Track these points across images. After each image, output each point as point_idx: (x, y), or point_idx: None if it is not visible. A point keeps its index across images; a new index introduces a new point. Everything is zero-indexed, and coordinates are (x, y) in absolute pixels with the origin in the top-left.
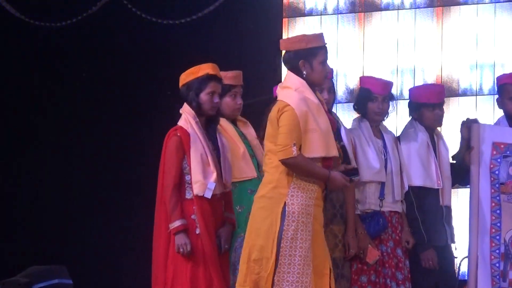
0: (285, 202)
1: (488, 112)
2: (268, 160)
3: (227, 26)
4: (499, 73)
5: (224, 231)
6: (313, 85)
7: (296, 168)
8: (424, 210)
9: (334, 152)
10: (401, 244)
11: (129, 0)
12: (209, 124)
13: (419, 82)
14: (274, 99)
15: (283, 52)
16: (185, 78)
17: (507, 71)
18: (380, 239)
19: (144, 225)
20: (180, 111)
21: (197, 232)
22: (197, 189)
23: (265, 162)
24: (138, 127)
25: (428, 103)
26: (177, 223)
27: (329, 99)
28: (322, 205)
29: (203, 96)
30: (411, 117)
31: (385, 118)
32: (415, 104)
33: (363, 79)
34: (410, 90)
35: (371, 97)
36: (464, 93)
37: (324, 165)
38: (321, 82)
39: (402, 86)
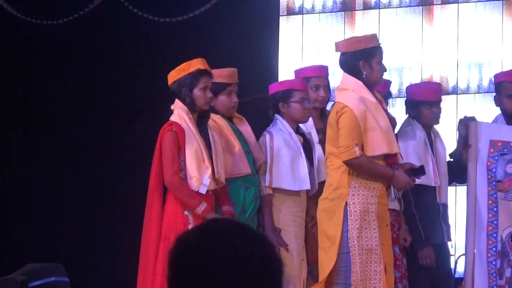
0: (346, 202)
1: (476, 110)
2: (330, 163)
3: (224, 24)
4: (486, 71)
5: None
6: (371, 85)
7: (360, 168)
8: (421, 208)
9: (396, 148)
10: (398, 242)
11: None
12: (200, 120)
13: (411, 81)
14: (269, 96)
15: (339, 54)
16: (175, 75)
17: (496, 70)
18: None
19: (140, 223)
20: (172, 107)
21: (189, 228)
22: (192, 185)
23: (327, 165)
24: (134, 124)
25: (425, 101)
26: (203, 206)
27: (325, 97)
28: (388, 203)
29: (197, 92)
30: (408, 115)
31: None
32: (413, 102)
33: None
34: (408, 88)
35: None
36: (455, 91)
37: (388, 162)
38: (379, 82)
39: (400, 84)
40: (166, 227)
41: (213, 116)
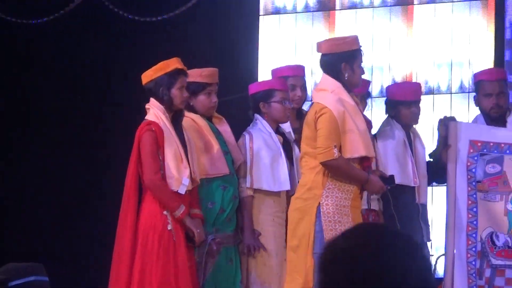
0: (319, 203)
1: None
2: (305, 163)
3: (204, 23)
4: (464, 71)
5: (196, 222)
6: (351, 87)
7: (337, 170)
8: (400, 208)
9: (372, 152)
10: None
11: None
12: (175, 119)
13: (391, 81)
14: (249, 96)
15: (320, 54)
16: (152, 74)
17: (474, 70)
18: None
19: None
20: (147, 106)
21: (169, 228)
22: (172, 185)
23: (301, 164)
24: (112, 123)
25: (404, 101)
26: (182, 209)
27: (301, 97)
28: (360, 206)
29: (174, 91)
30: (387, 115)
31: None
32: (392, 102)
33: None
34: (387, 88)
35: None
36: (431, 91)
37: (363, 166)
38: (359, 84)
39: (381, 84)
40: (144, 227)
41: (192, 115)
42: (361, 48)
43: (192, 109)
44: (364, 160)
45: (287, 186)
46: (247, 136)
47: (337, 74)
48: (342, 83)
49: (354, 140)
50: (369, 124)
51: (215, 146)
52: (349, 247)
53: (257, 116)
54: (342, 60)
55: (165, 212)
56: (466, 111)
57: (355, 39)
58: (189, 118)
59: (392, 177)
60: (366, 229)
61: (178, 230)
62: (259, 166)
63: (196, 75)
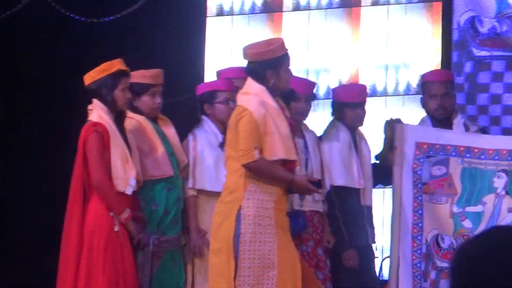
0: (240, 206)
1: (405, 112)
2: (228, 166)
3: (151, 24)
4: (405, 73)
5: (138, 226)
6: (277, 91)
7: (259, 171)
8: (345, 210)
9: (293, 156)
10: (322, 244)
11: None
12: (118, 120)
13: (340, 83)
14: (197, 97)
15: (246, 61)
16: (95, 75)
17: (416, 72)
18: (300, 238)
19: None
20: (90, 107)
21: (116, 230)
22: (119, 186)
23: (226, 168)
24: (59, 124)
25: (349, 103)
26: (126, 213)
27: None
28: (285, 208)
29: (117, 92)
30: (333, 117)
31: (306, 117)
32: (337, 103)
33: None
34: (333, 90)
35: (294, 97)
36: (374, 94)
37: (286, 169)
38: (287, 87)
39: (328, 86)
40: (90, 228)
41: (137, 117)
42: (287, 52)
43: (137, 110)
44: (286, 163)
45: None
46: (190, 137)
47: (262, 80)
48: (267, 87)
49: (274, 143)
50: (293, 127)
51: (160, 147)
52: (485, 253)
53: (203, 117)
54: (267, 68)
55: (111, 213)
56: (414, 113)
57: (280, 45)
58: (133, 119)
59: (319, 181)
60: (500, 233)
61: (125, 232)
62: (202, 166)
63: (139, 76)
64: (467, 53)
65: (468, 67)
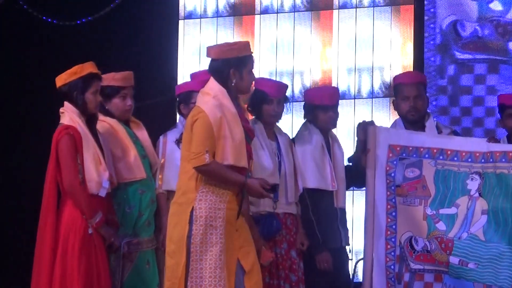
0: (192, 207)
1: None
2: (181, 166)
3: (124, 27)
4: (376, 76)
5: (111, 230)
6: (238, 93)
7: (210, 174)
8: (319, 212)
9: (243, 163)
10: (295, 246)
11: (25, 0)
12: (90, 123)
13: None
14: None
15: (210, 59)
16: (67, 78)
17: (385, 75)
18: (274, 241)
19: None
20: (61, 110)
21: (89, 232)
22: (92, 188)
23: (180, 168)
24: (27, 127)
25: (321, 105)
26: (98, 217)
27: None
28: (237, 209)
29: (89, 95)
30: (305, 119)
31: (279, 120)
32: (309, 106)
33: (259, 80)
34: (305, 92)
35: (267, 100)
36: (343, 96)
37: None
38: (248, 91)
39: (301, 88)
40: (64, 231)
41: (108, 120)
42: (252, 54)
43: (108, 113)
44: (238, 169)
45: None
46: (161, 138)
47: (224, 80)
48: (228, 89)
49: (225, 148)
50: (252, 132)
51: (132, 150)
52: None
53: (179, 117)
54: (230, 67)
55: (85, 216)
56: (387, 116)
57: (245, 45)
58: (105, 122)
59: (275, 186)
60: None
61: (99, 234)
62: (171, 167)
63: (110, 78)
64: (450, 56)
65: (451, 70)
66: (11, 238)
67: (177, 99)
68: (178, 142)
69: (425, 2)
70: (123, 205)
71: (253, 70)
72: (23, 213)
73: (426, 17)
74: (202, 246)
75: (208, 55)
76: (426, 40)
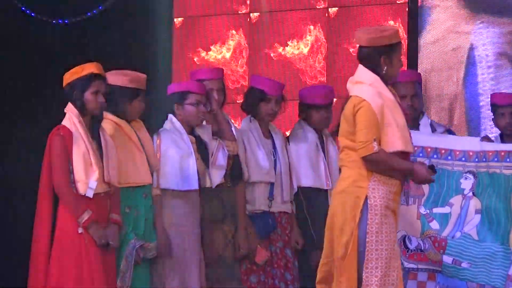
0: (366, 196)
1: None
2: (345, 156)
3: (118, 26)
4: None
5: (110, 230)
6: (388, 80)
7: (378, 163)
8: (313, 211)
9: (410, 147)
10: (290, 245)
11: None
12: (93, 123)
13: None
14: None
15: (357, 46)
16: (69, 77)
17: None
18: (269, 239)
19: (28, 225)
20: (65, 110)
21: (79, 231)
22: (80, 189)
23: (341, 158)
24: (23, 126)
25: (314, 104)
26: (86, 215)
27: (218, 100)
28: (400, 201)
29: (88, 95)
30: (300, 118)
31: (274, 118)
32: (303, 105)
33: (256, 79)
34: (299, 92)
35: (265, 98)
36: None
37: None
38: (396, 78)
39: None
40: (59, 233)
41: (120, 121)
42: (401, 41)
43: (121, 115)
44: (402, 155)
45: (195, 185)
46: (155, 137)
47: (375, 67)
48: (380, 76)
49: (392, 135)
50: (407, 117)
51: (141, 153)
52: None
53: (170, 116)
54: (381, 54)
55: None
56: None
57: (396, 32)
58: (116, 125)
59: (432, 166)
60: None
61: (88, 234)
62: (166, 165)
63: (135, 80)
64: None
65: None
66: (8, 237)
67: (170, 98)
68: (335, 135)
69: None
70: (124, 205)
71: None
72: (20, 213)
73: None
74: (378, 236)
75: (357, 42)
76: None
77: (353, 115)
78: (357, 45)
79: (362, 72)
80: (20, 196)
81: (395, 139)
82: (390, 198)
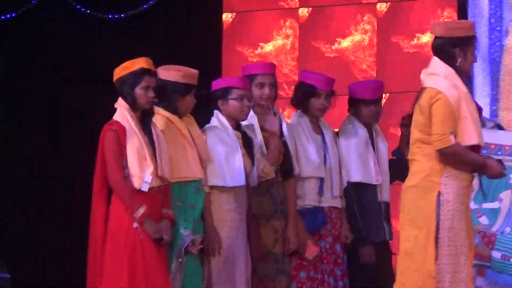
0: (439, 191)
1: None
2: (417, 149)
3: (167, 20)
4: None
5: (164, 224)
6: (461, 74)
7: (454, 156)
8: (363, 206)
9: (482, 141)
10: (340, 240)
11: None
12: (144, 118)
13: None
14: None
15: (433, 36)
16: (119, 72)
17: None
18: (319, 234)
19: (82, 222)
20: (116, 106)
21: (134, 226)
22: (134, 183)
23: (413, 151)
24: (73, 122)
25: (364, 99)
26: (141, 210)
27: (269, 95)
28: (470, 195)
29: (138, 91)
30: (349, 113)
31: (324, 114)
32: (353, 100)
33: (306, 74)
34: (349, 86)
35: (315, 93)
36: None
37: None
38: (470, 72)
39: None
40: (113, 228)
41: (172, 117)
42: (476, 36)
43: (174, 110)
44: (474, 149)
45: (242, 181)
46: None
47: (449, 59)
48: (454, 68)
49: (468, 128)
50: (480, 111)
51: (193, 149)
52: None
53: (216, 112)
54: (456, 45)
55: (128, 210)
56: None
57: (471, 25)
58: (168, 120)
59: (500, 161)
60: None
61: (143, 230)
62: (213, 162)
63: (188, 75)
64: None
65: None
66: (66, 234)
67: (214, 94)
68: (407, 126)
69: None
70: (176, 199)
71: (476, 51)
72: (75, 209)
73: None
74: (450, 232)
75: (432, 32)
76: None
77: (429, 106)
78: (433, 36)
79: (437, 64)
80: (74, 193)
81: (470, 133)
82: (462, 193)
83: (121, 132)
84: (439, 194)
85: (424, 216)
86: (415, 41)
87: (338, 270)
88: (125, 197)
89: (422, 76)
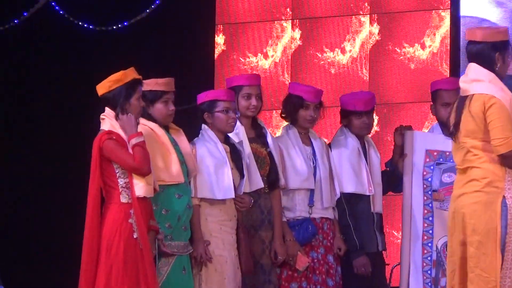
0: (504, 196)
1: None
2: (474, 157)
3: (160, 32)
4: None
5: (150, 237)
6: (500, 78)
7: None
8: (356, 217)
9: None
10: (332, 251)
11: (62, 6)
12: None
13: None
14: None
15: (467, 42)
16: (111, 85)
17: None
18: (311, 245)
19: (79, 227)
20: (102, 116)
21: (134, 236)
22: (139, 191)
23: (469, 159)
24: (70, 131)
25: (355, 111)
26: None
27: (256, 106)
28: None
29: (134, 101)
30: (341, 124)
31: (313, 125)
32: (344, 111)
33: (294, 86)
34: (340, 98)
35: (304, 105)
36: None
37: None
38: (504, 76)
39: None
40: (109, 234)
41: (150, 124)
42: (510, 41)
43: (150, 118)
44: None
45: (231, 194)
46: (190, 146)
47: (489, 63)
48: (494, 73)
49: None
50: None
51: (172, 154)
52: None
53: (203, 126)
54: (496, 50)
55: (130, 220)
56: (424, 120)
57: (507, 30)
58: (147, 126)
59: None
60: None
61: (144, 239)
62: (203, 175)
63: (152, 83)
64: None
65: None
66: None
67: (200, 107)
68: (451, 135)
69: None
70: (160, 208)
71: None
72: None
73: None
74: None
75: (469, 38)
76: None
77: (483, 112)
78: (468, 41)
79: (477, 70)
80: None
81: None
82: None
83: (121, 142)
84: (504, 199)
85: (489, 222)
86: (408, 51)
87: (330, 280)
88: (149, 168)
89: (462, 84)
